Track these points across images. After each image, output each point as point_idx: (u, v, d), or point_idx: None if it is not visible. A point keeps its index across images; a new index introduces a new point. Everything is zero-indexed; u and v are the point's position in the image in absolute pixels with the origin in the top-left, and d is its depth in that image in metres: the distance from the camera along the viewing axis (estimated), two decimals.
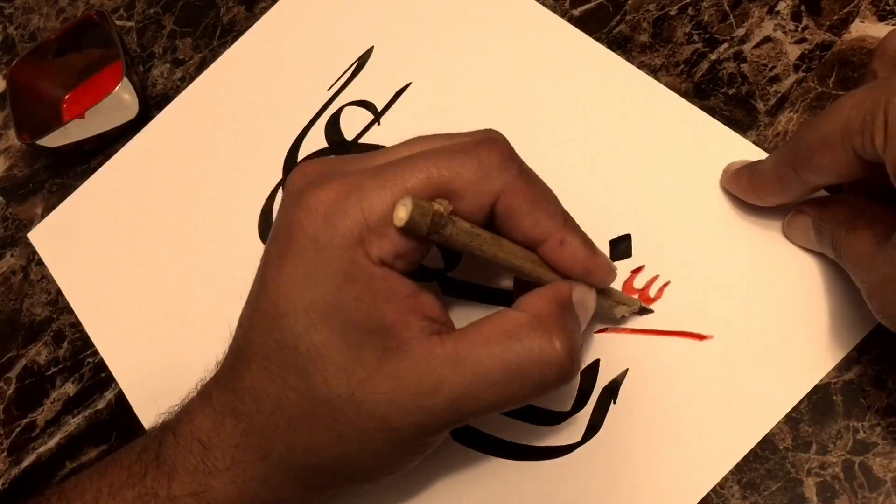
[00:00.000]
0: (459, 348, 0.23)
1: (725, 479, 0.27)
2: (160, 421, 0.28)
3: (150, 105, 0.43)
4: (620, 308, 0.29)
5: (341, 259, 0.23)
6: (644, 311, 0.30)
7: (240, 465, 0.25)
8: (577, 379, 0.30)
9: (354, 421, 0.23)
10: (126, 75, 0.41)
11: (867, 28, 0.32)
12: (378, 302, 0.23)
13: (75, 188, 0.42)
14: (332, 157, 0.26)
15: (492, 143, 0.24)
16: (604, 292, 0.28)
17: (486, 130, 0.25)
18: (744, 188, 0.29)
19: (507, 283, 0.32)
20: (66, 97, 0.45)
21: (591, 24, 0.36)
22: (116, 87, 0.40)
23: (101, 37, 0.44)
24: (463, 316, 0.32)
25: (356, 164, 0.25)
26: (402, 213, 0.22)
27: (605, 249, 0.31)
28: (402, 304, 0.23)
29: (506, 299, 0.32)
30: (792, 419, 0.27)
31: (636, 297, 0.30)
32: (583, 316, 0.26)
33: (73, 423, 0.36)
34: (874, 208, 0.26)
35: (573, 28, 0.36)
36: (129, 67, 0.42)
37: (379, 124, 0.37)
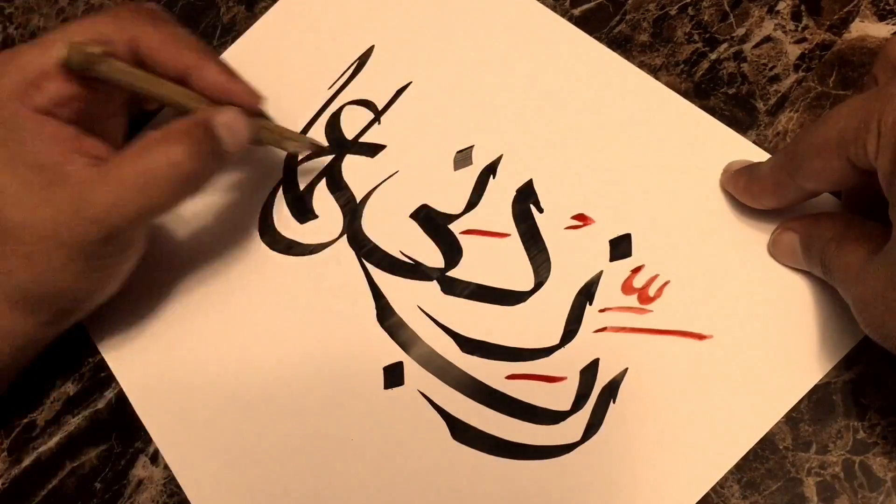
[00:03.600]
0: (106, 169, 0.28)
1: (725, 478, 0.27)
2: None
3: None
4: (289, 143, 0.34)
5: (5, 110, 0.29)
6: (315, 146, 0.35)
7: None
8: (577, 378, 0.30)
9: (34, 243, 0.28)
10: None
11: (867, 28, 0.32)
12: (42, 143, 0.29)
13: None
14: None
15: (130, 5, 0.31)
16: (270, 128, 0.34)
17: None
18: (741, 190, 0.30)
19: (508, 282, 0.32)
20: None
21: (591, 23, 0.36)
22: None
23: None
24: (464, 314, 0.32)
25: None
26: (62, 53, 0.28)
27: (605, 249, 0.31)
28: (64, 144, 0.29)
29: (506, 298, 0.32)
30: (792, 419, 0.27)
31: (308, 136, 0.35)
32: (230, 137, 0.30)
33: (73, 422, 0.36)
34: (863, 224, 0.26)
35: (573, 27, 0.36)
36: None
37: (379, 123, 0.37)
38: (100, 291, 0.32)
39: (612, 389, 0.29)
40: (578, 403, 0.29)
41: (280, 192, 0.37)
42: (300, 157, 0.34)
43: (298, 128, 0.39)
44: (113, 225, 0.28)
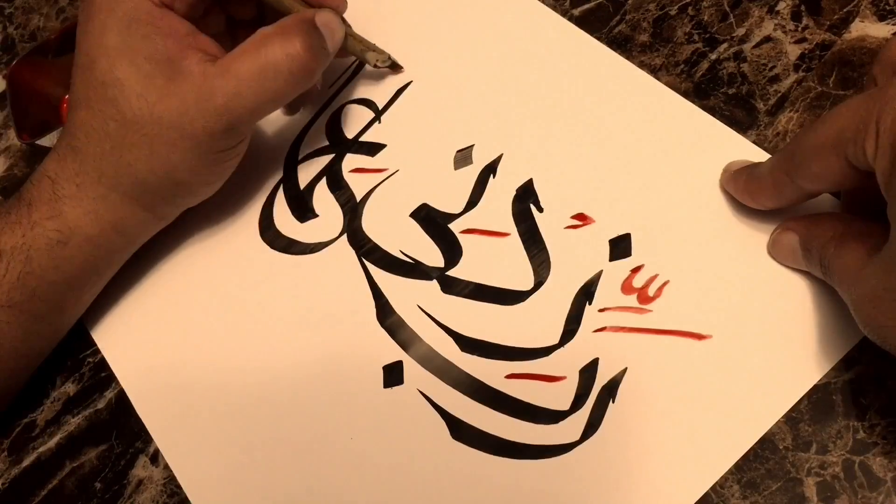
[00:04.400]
0: (225, 63, 0.30)
1: (725, 478, 0.27)
2: None
3: None
4: (371, 55, 0.36)
5: (127, 5, 0.30)
6: (395, 66, 0.37)
7: (82, 190, 0.31)
8: (577, 377, 0.30)
9: (158, 134, 0.30)
10: None
11: (867, 28, 0.32)
12: (161, 38, 0.30)
13: None
14: None
15: None
16: (355, 36, 0.36)
17: None
18: (741, 190, 0.29)
19: (508, 282, 0.32)
20: (66, 97, 0.45)
21: (591, 23, 0.36)
22: None
23: None
24: (463, 313, 0.32)
25: None
26: None
27: (605, 248, 0.31)
28: (182, 40, 0.30)
29: (506, 298, 0.32)
30: (792, 419, 0.27)
31: (388, 53, 0.37)
32: (328, 35, 0.32)
33: (73, 422, 0.36)
34: (862, 224, 0.26)
35: (574, 27, 0.36)
36: None
37: (380, 122, 0.37)
38: (211, 185, 0.34)
39: (611, 389, 0.29)
40: (577, 403, 0.29)
41: (280, 191, 0.37)
42: (375, 65, 0.37)
43: (298, 127, 0.39)
44: (235, 116, 0.30)
